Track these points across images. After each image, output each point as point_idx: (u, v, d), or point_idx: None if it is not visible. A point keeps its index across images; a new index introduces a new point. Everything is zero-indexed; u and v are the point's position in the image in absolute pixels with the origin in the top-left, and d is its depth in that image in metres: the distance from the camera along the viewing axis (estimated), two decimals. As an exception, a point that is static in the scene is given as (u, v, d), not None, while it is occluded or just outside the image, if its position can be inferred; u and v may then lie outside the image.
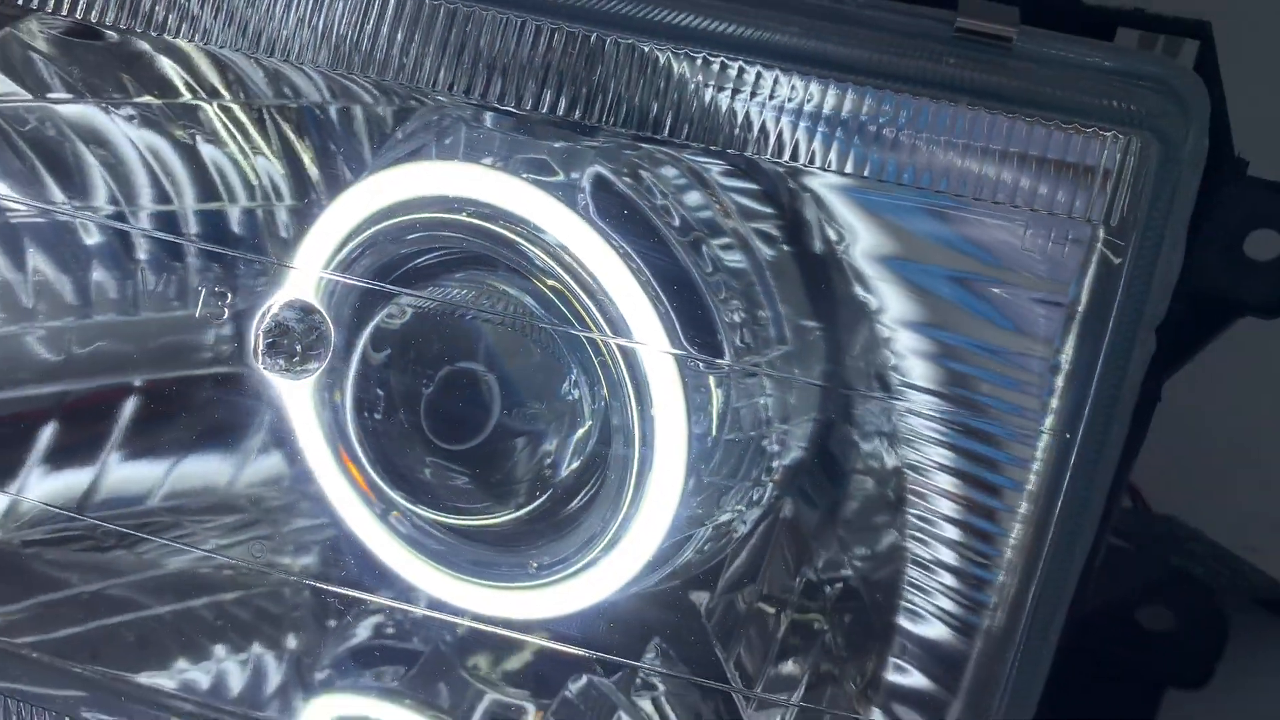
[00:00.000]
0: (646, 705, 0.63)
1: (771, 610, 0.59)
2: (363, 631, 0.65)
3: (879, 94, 0.45)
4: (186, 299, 0.63)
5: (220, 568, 0.66)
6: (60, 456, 0.62)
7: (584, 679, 0.62)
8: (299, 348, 0.49)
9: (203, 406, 0.60)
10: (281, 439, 0.58)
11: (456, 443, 0.52)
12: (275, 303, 0.48)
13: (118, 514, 0.66)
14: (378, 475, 0.54)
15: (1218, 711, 0.68)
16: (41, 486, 0.61)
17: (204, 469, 0.63)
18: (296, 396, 0.55)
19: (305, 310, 0.48)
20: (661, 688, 0.63)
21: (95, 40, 0.54)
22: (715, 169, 0.53)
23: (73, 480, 0.63)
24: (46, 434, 0.62)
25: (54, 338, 0.63)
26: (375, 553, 0.58)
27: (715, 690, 0.61)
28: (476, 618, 0.56)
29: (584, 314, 0.50)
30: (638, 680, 0.63)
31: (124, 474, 0.63)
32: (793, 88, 0.46)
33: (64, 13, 0.50)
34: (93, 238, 0.59)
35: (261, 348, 0.48)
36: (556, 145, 0.52)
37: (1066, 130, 0.42)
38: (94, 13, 0.50)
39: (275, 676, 0.64)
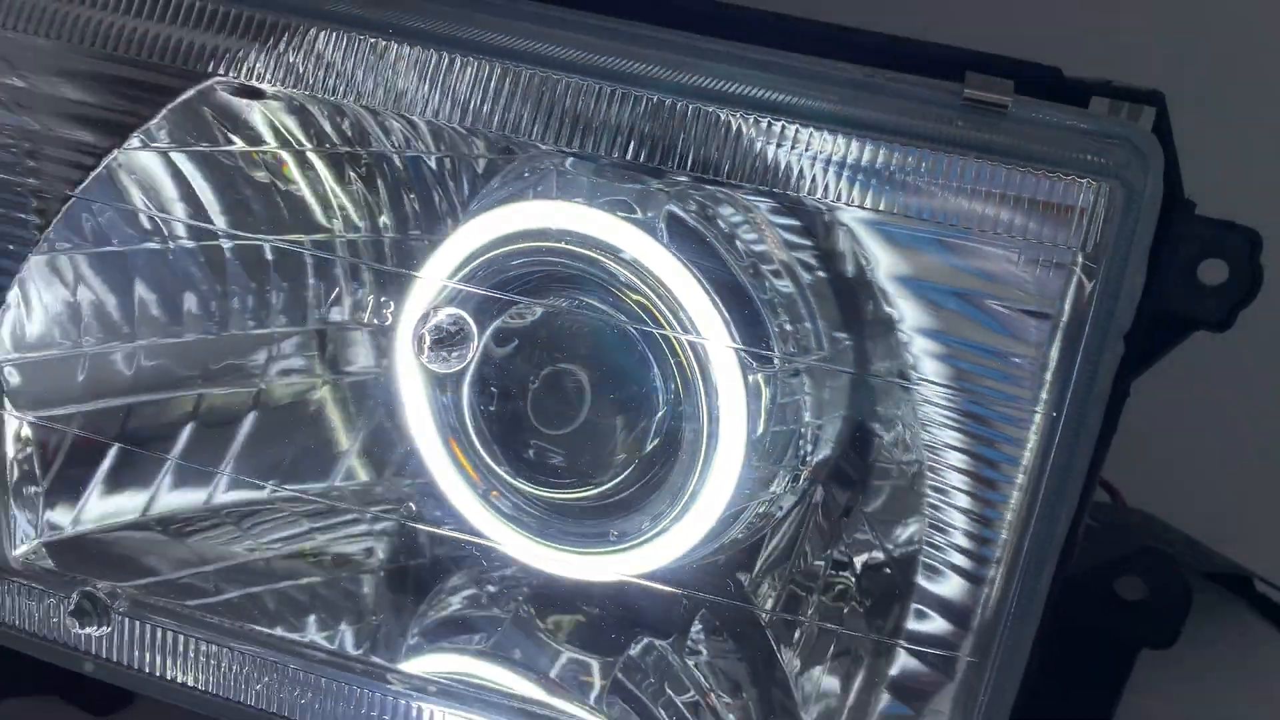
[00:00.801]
0: (693, 669, 0.74)
1: (806, 581, 0.69)
2: (452, 604, 0.76)
3: (903, 149, 0.56)
4: (307, 315, 0.74)
5: (315, 554, 0.77)
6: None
7: (644, 640, 0.73)
8: (452, 345, 0.60)
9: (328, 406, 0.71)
10: (399, 429, 0.69)
11: (556, 428, 0.64)
12: (437, 310, 0.60)
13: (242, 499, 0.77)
14: (487, 455, 0.65)
15: (1182, 677, 0.79)
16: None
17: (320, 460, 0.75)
18: (415, 391, 0.66)
19: (456, 317, 0.60)
20: (705, 654, 0.74)
21: (255, 99, 0.66)
22: (764, 206, 0.65)
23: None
24: (184, 436, 0.73)
25: (192, 349, 0.74)
26: (478, 526, 0.69)
27: (754, 658, 0.72)
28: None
29: (661, 320, 0.61)
30: (686, 646, 0.74)
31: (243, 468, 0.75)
32: (833, 143, 0.58)
33: (238, 77, 0.62)
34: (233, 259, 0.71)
35: (427, 344, 0.60)
36: (635, 188, 0.64)
37: (1051, 178, 0.54)
38: (260, 77, 0.62)
39: (363, 646, 0.74)
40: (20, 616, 0.67)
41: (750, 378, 0.61)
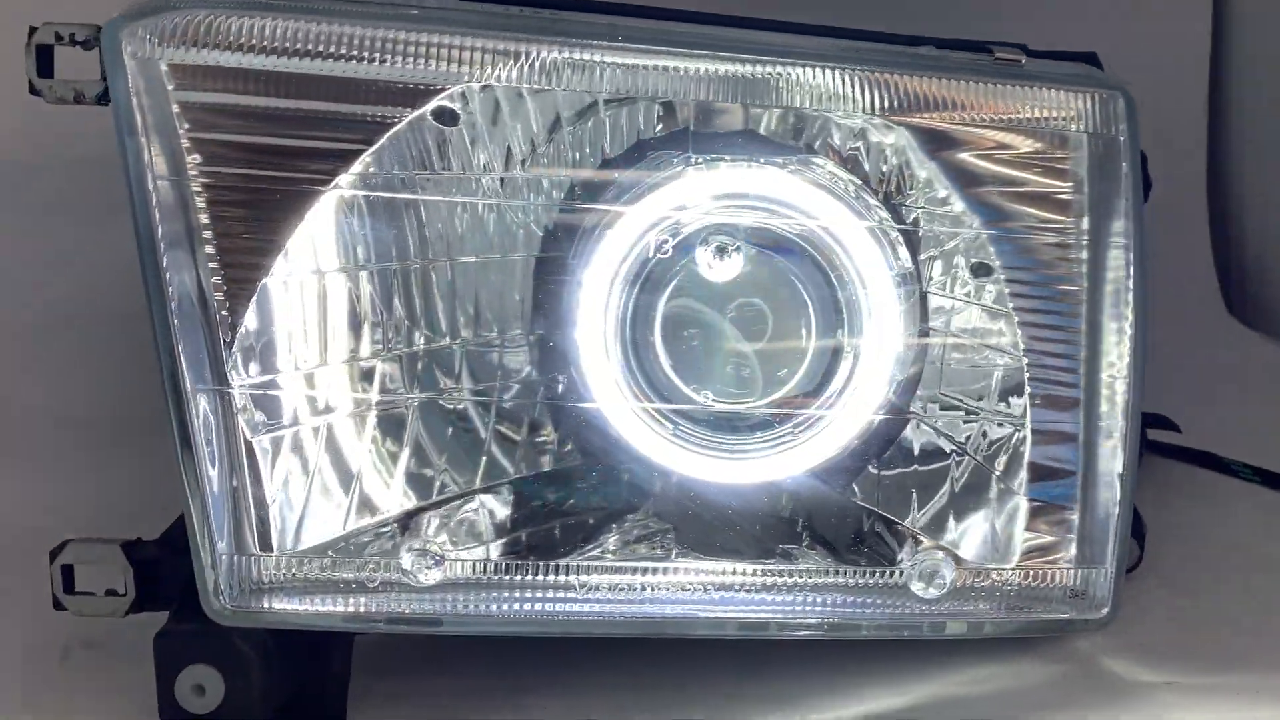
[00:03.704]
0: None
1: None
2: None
3: (975, 83, 0.79)
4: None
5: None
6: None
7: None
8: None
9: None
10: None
11: (750, 344, 0.80)
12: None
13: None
14: (677, 377, 0.80)
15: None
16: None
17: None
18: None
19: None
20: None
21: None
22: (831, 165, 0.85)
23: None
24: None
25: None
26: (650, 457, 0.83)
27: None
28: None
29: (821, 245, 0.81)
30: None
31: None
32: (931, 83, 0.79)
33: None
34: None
35: (710, 258, 0.77)
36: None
37: (1085, 92, 0.79)
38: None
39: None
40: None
41: (893, 274, 0.81)
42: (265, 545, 0.75)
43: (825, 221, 0.80)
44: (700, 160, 0.82)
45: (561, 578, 0.76)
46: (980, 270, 0.86)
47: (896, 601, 0.79)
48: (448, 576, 0.74)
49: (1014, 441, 0.84)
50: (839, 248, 0.81)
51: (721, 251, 0.76)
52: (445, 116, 0.79)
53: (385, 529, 0.78)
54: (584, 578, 0.76)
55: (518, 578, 0.76)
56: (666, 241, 0.78)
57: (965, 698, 0.79)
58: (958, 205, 0.84)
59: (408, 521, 0.78)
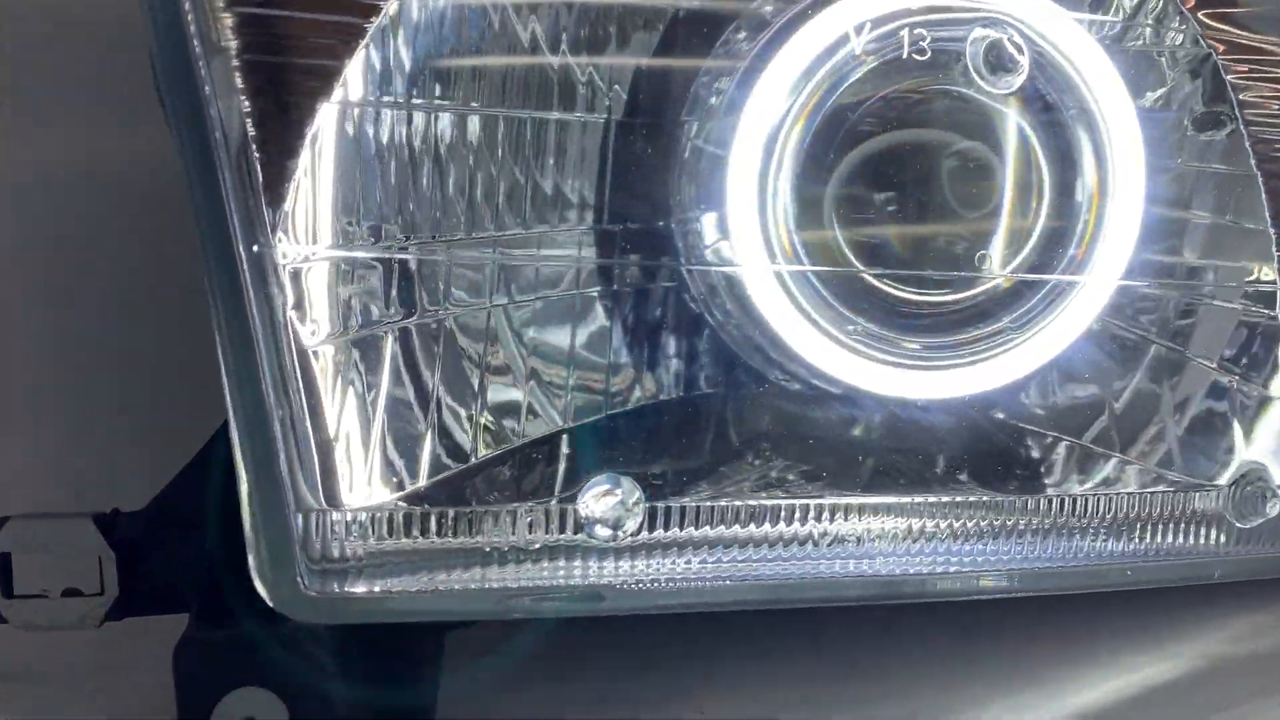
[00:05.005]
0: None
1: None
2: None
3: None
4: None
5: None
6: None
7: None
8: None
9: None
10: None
11: (972, 210, 0.59)
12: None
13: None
14: (856, 256, 0.58)
15: None
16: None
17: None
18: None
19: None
20: None
21: None
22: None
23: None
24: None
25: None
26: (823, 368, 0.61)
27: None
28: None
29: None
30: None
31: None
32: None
33: None
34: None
35: (1004, 53, 0.53)
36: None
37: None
38: None
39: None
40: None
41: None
42: (332, 499, 0.50)
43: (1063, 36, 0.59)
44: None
45: (771, 528, 0.54)
46: (1207, 122, 0.69)
47: (1190, 540, 0.60)
48: (645, 535, 0.50)
49: (1260, 332, 0.67)
50: (1075, 72, 0.61)
51: (1018, 48, 0.54)
52: None
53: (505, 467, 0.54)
54: (818, 526, 0.53)
55: (711, 531, 0.52)
56: (922, 38, 0.56)
57: (1244, 658, 0.62)
58: (1176, 35, 0.66)
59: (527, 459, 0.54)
